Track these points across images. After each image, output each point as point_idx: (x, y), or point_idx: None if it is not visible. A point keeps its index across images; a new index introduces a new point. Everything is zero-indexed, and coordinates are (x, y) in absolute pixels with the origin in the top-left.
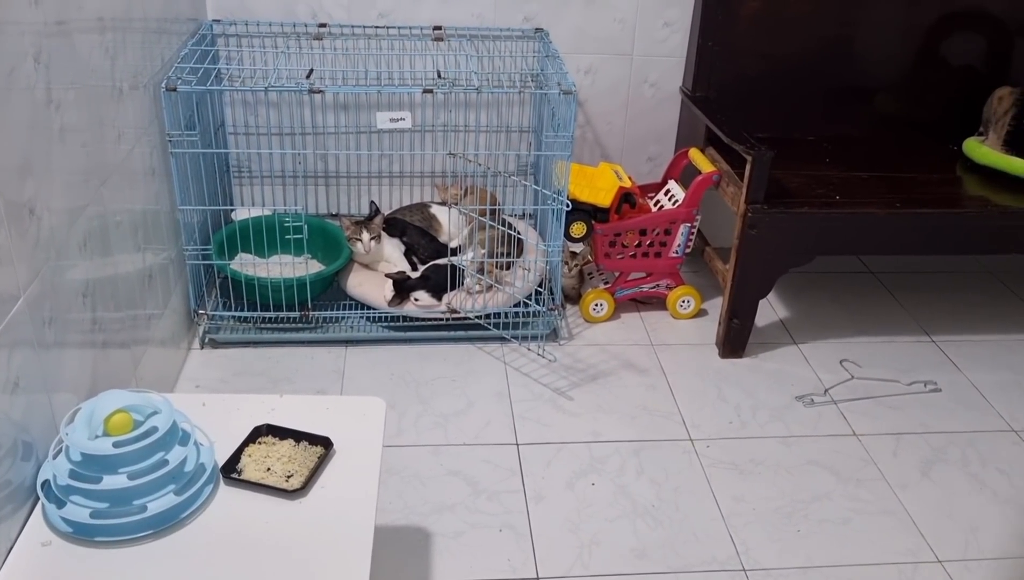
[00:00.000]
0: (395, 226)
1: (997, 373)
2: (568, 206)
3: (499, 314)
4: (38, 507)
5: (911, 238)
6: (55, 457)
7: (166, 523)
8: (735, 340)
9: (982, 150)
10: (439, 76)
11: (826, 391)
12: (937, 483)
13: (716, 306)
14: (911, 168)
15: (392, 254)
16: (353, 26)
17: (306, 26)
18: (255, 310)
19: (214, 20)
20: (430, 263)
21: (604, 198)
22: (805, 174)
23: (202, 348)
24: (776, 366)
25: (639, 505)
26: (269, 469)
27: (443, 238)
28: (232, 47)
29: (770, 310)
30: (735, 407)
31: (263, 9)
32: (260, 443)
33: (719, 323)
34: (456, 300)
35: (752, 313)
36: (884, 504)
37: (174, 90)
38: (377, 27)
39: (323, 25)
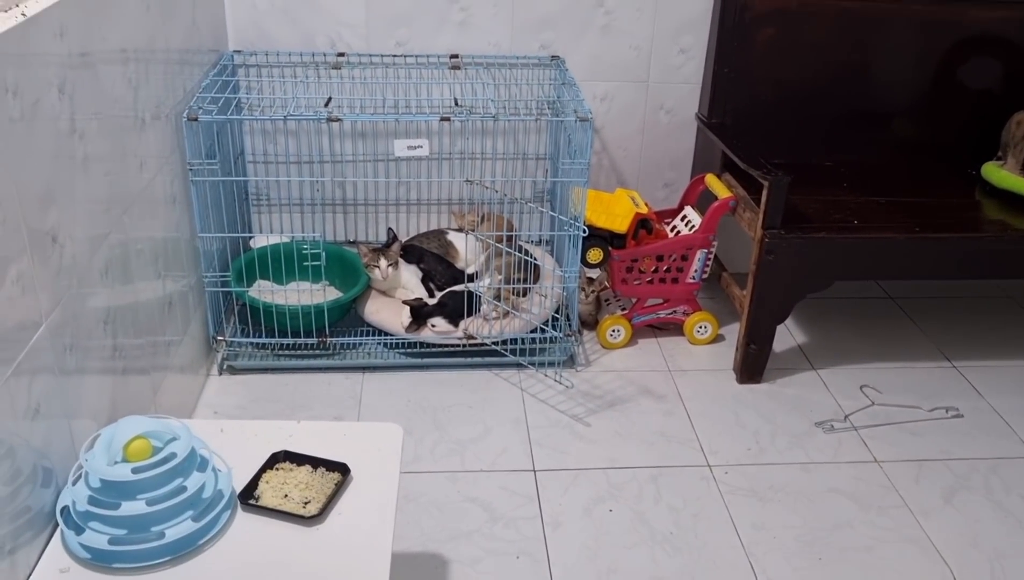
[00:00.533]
0: (412, 253)
1: (1019, 398)
2: (584, 232)
3: (516, 340)
4: (57, 533)
5: (930, 263)
6: (74, 483)
7: (184, 549)
8: (753, 366)
9: (1001, 174)
10: (456, 104)
11: (846, 417)
12: (960, 510)
13: (733, 332)
14: (929, 193)
15: (409, 281)
16: (371, 55)
17: (325, 56)
18: (273, 337)
19: (235, 51)
20: (447, 289)
21: (620, 224)
22: (822, 199)
23: (220, 374)
24: (795, 392)
25: (657, 532)
26: (286, 495)
27: (460, 264)
28: (252, 77)
29: (788, 335)
30: (753, 433)
31: (283, 39)
32: (278, 469)
33: (736, 349)
34: (473, 326)
35: (770, 339)
36: (907, 532)
37: (195, 120)
38: (395, 56)
39: (341, 54)
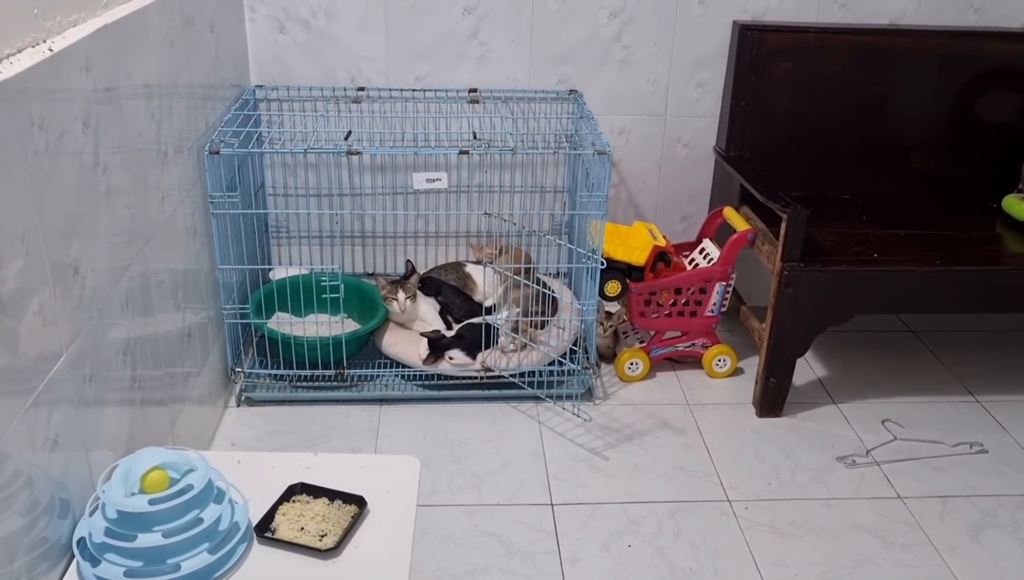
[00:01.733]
0: (430, 285)
1: None
2: (602, 265)
3: (533, 373)
4: (73, 565)
5: (951, 296)
6: (91, 514)
7: None
8: (772, 399)
9: (1021, 207)
10: (475, 137)
11: (868, 452)
12: (987, 548)
13: (752, 365)
14: (949, 225)
15: (427, 313)
16: (391, 89)
17: (345, 90)
18: (291, 368)
19: (257, 85)
20: (465, 322)
21: (638, 257)
22: (841, 232)
23: (238, 406)
24: (815, 426)
25: (677, 568)
26: (303, 528)
27: (478, 297)
28: (273, 111)
29: (808, 369)
30: (774, 468)
31: (304, 74)
32: (294, 502)
33: (756, 382)
34: (490, 359)
35: (789, 372)
36: (932, 570)
37: (217, 153)
38: (414, 90)
39: (361, 89)
